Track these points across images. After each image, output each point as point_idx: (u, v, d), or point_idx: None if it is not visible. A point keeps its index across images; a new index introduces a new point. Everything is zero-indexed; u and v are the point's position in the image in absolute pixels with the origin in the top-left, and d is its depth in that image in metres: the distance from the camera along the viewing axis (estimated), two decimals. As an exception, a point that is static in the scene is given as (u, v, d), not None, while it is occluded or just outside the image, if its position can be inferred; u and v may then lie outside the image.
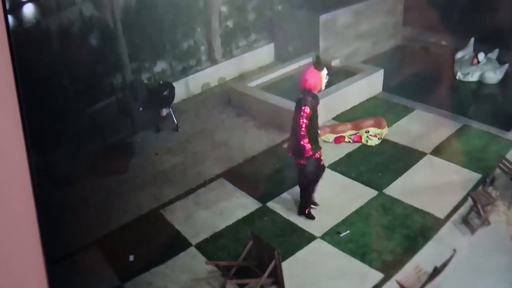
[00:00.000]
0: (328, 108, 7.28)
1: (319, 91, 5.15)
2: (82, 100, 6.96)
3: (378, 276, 4.62)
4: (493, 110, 7.89)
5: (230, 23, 8.98)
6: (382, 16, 9.91)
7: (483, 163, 6.15)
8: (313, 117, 5.00)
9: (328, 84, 5.52)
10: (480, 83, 8.60)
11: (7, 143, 2.29)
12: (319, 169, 5.33)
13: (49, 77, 6.31)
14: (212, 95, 8.57)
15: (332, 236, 5.17)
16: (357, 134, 6.87)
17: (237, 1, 8.98)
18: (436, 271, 4.22)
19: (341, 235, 5.17)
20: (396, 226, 5.24)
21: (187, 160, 6.72)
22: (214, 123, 7.65)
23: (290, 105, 5.66)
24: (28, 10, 6.23)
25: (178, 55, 8.35)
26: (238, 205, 5.75)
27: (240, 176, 6.29)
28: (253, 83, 8.19)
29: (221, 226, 5.43)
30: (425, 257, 4.74)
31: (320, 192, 5.58)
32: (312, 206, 5.51)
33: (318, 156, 5.22)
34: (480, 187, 5.60)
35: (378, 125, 6.90)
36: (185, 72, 8.48)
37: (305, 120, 4.94)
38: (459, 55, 8.92)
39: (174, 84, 7.72)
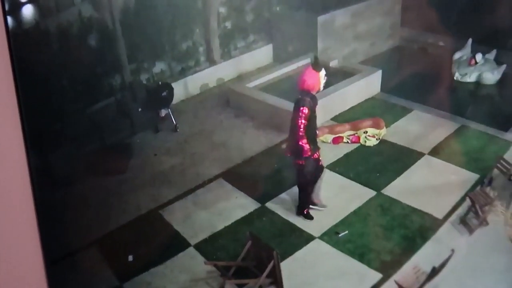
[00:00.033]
0: (327, 108, 7.28)
1: (318, 91, 5.17)
2: (81, 101, 6.95)
3: (376, 276, 4.63)
4: (491, 110, 7.91)
5: (228, 24, 8.98)
6: (380, 17, 9.93)
7: (481, 164, 6.17)
8: (311, 118, 5.01)
9: (327, 85, 5.55)
10: (478, 83, 8.61)
11: (7, 143, 2.29)
12: (318, 170, 5.33)
13: (48, 77, 6.31)
14: (211, 96, 8.57)
15: (330, 236, 5.18)
16: (356, 135, 6.88)
17: (236, 2, 8.98)
18: (434, 271, 4.22)
19: (340, 235, 5.18)
20: (395, 226, 5.26)
21: (186, 160, 6.72)
22: (213, 123, 7.65)
23: (289, 105, 5.66)
24: (28, 11, 6.23)
25: (177, 56, 8.34)
26: (237, 205, 5.75)
27: (239, 177, 6.29)
28: (251, 84, 8.18)
29: (220, 226, 5.44)
30: (424, 257, 4.75)
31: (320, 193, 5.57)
32: (318, 208, 5.50)
33: (317, 156, 5.22)
34: (478, 188, 5.61)
35: (376, 126, 6.92)
36: (183, 73, 8.48)
37: (303, 121, 4.95)
38: (457, 55, 8.92)
39: (173, 85, 7.70)
